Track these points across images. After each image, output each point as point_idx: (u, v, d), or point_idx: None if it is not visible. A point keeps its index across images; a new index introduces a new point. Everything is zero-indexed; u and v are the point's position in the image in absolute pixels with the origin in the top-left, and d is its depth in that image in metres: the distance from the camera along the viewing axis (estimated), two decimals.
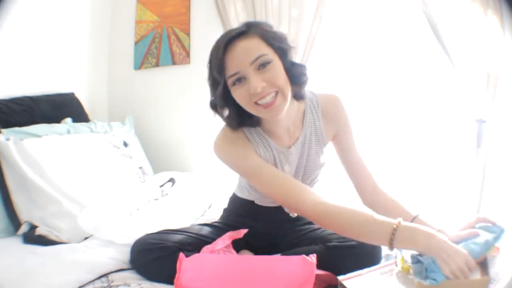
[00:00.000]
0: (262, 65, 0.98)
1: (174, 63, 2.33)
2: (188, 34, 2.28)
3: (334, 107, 1.18)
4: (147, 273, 1.14)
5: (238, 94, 1.00)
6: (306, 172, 1.21)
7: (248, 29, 0.99)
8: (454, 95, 1.82)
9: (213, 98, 1.06)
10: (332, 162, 1.28)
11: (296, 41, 1.95)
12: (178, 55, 2.32)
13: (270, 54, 0.99)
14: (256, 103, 0.99)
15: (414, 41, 1.90)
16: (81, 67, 2.36)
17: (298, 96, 1.09)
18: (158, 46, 2.37)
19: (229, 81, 0.99)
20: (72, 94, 2.19)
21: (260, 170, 1.08)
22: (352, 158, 1.21)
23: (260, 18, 2.00)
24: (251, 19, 2.02)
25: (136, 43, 2.45)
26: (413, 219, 1.07)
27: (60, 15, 2.16)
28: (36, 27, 2.01)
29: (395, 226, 0.89)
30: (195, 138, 2.32)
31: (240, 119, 1.08)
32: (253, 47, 0.97)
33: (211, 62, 1.01)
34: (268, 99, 0.98)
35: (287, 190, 1.05)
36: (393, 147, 2.02)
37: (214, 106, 1.08)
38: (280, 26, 1.97)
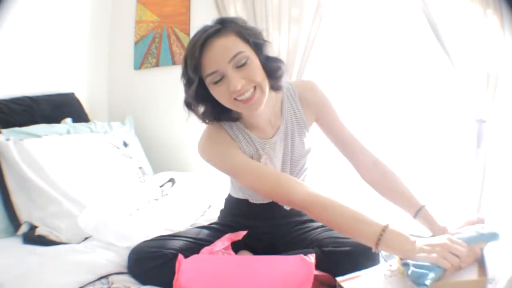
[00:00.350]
0: (240, 62, 0.98)
1: (174, 63, 2.34)
2: (188, 34, 2.28)
3: (311, 91, 1.20)
4: (145, 281, 1.13)
5: (217, 92, 1.01)
6: (293, 160, 1.21)
7: (223, 27, 0.99)
8: (454, 95, 1.82)
9: (187, 96, 1.06)
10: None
11: (296, 41, 1.95)
12: (178, 55, 2.32)
13: (246, 50, 0.99)
14: (235, 99, 1.00)
15: (414, 41, 1.90)
16: (81, 67, 2.36)
17: (275, 87, 1.10)
18: (158, 46, 2.37)
19: (207, 80, 1.00)
20: (72, 94, 2.19)
21: (246, 166, 1.09)
22: (342, 136, 1.20)
23: (260, 18, 1.99)
24: (251, 19, 2.02)
25: (136, 43, 2.45)
26: (419, 210, 1.09)
27: (60, 15, 2.16)
28: (36, 27, 2.01)
29: (383, 229, 0.90)
30: (195, 138, 2.31)
31: (216, 114, 1.09)
32: (230, 44, 0.98)
33: (186, 60, 1.00)
34: (247, 94, 1.00)
35: (276, 182, 1.05)
36: (393, 147, 2.02)
37: (189, 104, 1.08)
38: (280, 26, 1.97)
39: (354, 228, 0.96)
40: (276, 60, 1.07)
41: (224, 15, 2.10)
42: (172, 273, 0.97)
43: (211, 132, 1.14)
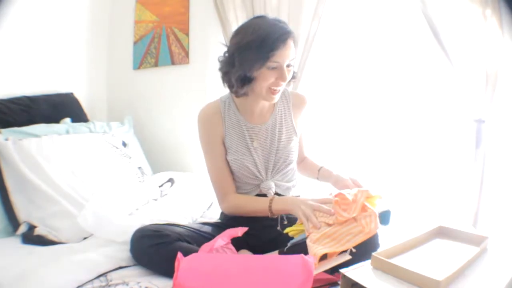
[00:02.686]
0: (290, 64, 1.25)
1: (173, 63, 2.34)
2: (187, 34, 2.28)
3: (301, 101, 1.43)
4: (145, 259, 1.18)
5: (266, 74, 1.22)
6: (278, 152, 1.36)
7: (293, 34, 1.23)
8: (453, 95, 1.82)
9: (242, 67, 1.22)
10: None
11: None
12: (177, 55, 2.32)
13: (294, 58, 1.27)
14: (270, 88, 1.25)
15: (413, 41, 1.90)
16: (80, 67, 2.36)
17: None
18: (157, 46, 2.37)
19: (267, 63, 1.20)
20: (71, 94, 2.19)
21: (209, 153, 1.35)
22: (300, 154, 1.46)
23: None
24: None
25: (135, 43, 2.45)
26: (319, 169, 1.42)
27: (59, 15, 2.16)
28: (35, 27, 2.01)
29: (270, 199, 1.25)
30: (195, 138, 2.31)
31: (240, 84, 1.26)
32: (292, 50, 1.24)
33: (264, 41, 1.17)
34: (278, 88, 1.26)
35: (218, 182, 1.35)
36: (392, 147, 2.02)
37: (242, 75, 1.24)
38: None
39: (257, 209, 1.27)
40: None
41: (223, 15, 2.11)
42: (172, 255, 1.01)
43: (209, 108, 1.37)
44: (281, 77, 1.22)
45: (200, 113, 1.37)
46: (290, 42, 1.21)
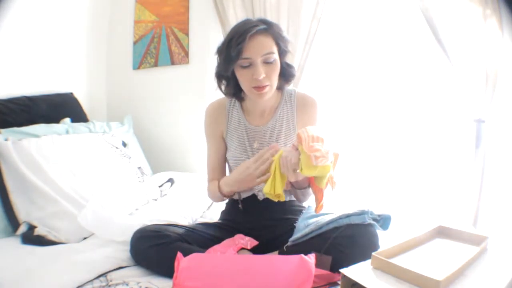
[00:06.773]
0: (268, 60, 1.18)
1: (173, 63, 2.34)
2: (187, 34, 2.28)
3: (307, 105, 1.34)
4: (145, 260, 1.18)
5: (242, 75, 1.21)
6: None
7: (269, 28, 1.19)
8: (453, 95, 1.82)
9: (220, 69, 1.25)
10: None
11: (295, 41, 1.96)
12: (177, 55, 2.32)
13: (275, 53, 1.20)
14: (252, 87, 1.21)
15: (413, 41, 1.90)
16: (80, 67, 2.36)
17: (279, 87, 1.31)
18: (157, 46, 2.37)
19: (239, 62, 1.18)
20: (71, 94, 2.19)
21: (208, 144, 1.40)
22: None
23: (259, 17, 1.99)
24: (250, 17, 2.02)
25: (134, 43, 2.45)
26: None
27: (59, 15, 2.16)
28: (34, 26, 2.01)
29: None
30: (194, 138, 2.32)
31: (232, 89, 1.30)
32: (267, 44, 1.18)
33: (231, 41, 1.17)
34: (263, 85, 1.20)
35: (208, 170, 1.39)
36: (392, 147, 2.02)
37: (219, 76, 1.29)
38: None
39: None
40: (293, 68, 1.30)
41: (223, 15, 2.11)
42: (171, 255, 1.02)
43: (216, 103, 1.39)
44: (255, 73, 1.17)
45: (207, 106, 1.41)
46: (260, 36, 1.16)
